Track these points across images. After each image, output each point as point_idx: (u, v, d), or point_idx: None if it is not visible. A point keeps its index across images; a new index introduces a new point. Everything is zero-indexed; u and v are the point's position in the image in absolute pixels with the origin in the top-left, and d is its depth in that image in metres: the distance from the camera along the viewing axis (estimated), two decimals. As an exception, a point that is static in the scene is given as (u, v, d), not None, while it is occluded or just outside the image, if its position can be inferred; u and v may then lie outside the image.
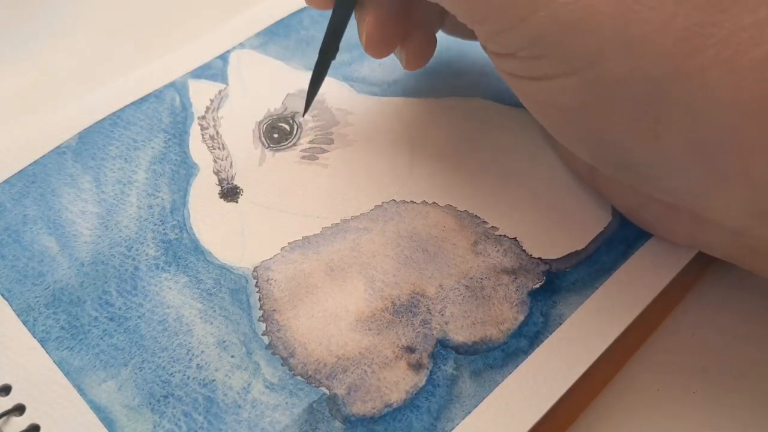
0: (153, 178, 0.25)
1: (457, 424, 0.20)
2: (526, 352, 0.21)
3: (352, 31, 0.25)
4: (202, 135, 0.26)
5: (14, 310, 0.22)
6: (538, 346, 0.21)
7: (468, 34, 0.26)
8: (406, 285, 0.22)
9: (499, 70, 0.21)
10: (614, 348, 0.21)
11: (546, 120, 0.21)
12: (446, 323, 0.22)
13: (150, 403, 0.20)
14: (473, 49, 0.28)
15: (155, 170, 0.25)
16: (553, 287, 0.22)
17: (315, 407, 0.20)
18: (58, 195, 0.24)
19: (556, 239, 0.23)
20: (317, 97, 0.27)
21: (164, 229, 0.24)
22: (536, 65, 0.19)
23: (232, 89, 0.28)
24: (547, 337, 0.21)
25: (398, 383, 0.21)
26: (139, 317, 0.22)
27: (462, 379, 0.21)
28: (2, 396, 0.20)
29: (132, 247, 0.23)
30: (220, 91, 0.27)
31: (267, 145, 0.26)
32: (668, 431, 0.21)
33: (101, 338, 0.21)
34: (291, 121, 0.27)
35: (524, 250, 0.23)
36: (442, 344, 0.21)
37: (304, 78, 0.28)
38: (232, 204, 0.24)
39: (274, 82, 0.28)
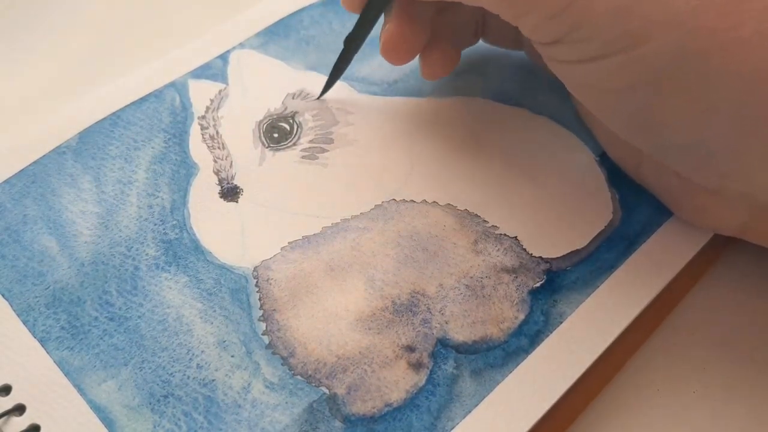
0: (153, 177, 0.25)
1: (458, 424, 0.20)
2: (527, 351, 0.21)
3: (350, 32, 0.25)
4: (202, 135, 0.26)
5: (14, 310, 0.22)
6: (538, 345, 0.21)
7: (510, 43, 0.27)
8: (406, 284, 0.22)
9: (547, 60, 0.21)
10: (614, 347, 0.21)
11: (596, 104, 0.21)
12: (446, 322, 0.22)
13: (150, 403, 0.20)
14: (473, 49, 0.28)
15: (155, 170, 0.25)
16: (554, 286, 0.22)
17: (315, 407, 0.20)
18: (58, 195, 0.24)
19: (557, 238, 0.23)
20: (317, 97, 0.27)
21: (164, 229, 0.24)
22: (583, 48, 0.19)
23: (232, 89, 0.28)
24: (548, 336, 0.21)
25: (398, 383, 0.20)
26: (139, 317, 0.22)
27: (462, 378, 0.21)
28: (2, 396, 0.20)
29: (132, 247, 0.23)
30: (220, 91, 0.27)
31: (267, 145, 0.26)
32: (668, 431, 0.21)
33: (101, 338, 0.21)
34: (291, 121, 0.27)
35: (525, 249, 0.23)
36: (443, 343, 0.21)
37: (305, 78, 0.28)
38: (232, 204, 0.24)
39: (274, 82, 0.28)
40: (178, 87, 0.27)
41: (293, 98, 0.27)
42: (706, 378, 0.22)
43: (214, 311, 0.22)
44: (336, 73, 0.26)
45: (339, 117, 0.27)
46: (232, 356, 0.21)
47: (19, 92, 0.30)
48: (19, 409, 0.20)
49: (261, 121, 0.27)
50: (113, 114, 0.27)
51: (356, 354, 0.21)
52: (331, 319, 0.22)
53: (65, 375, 0.21)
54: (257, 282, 0.22)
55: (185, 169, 0.25)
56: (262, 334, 0.21)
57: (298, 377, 0.21)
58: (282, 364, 0.21)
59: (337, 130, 0.26)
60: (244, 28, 0.29)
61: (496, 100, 0.27)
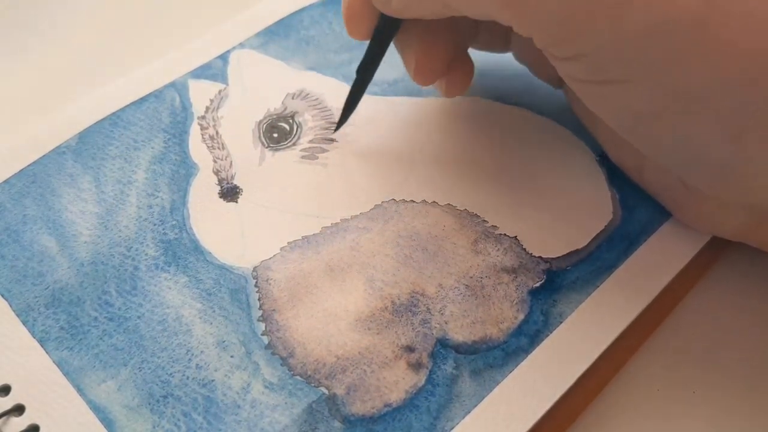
0: (153, 178, 0.25)
1: (457, 424, 0.20)
2: (527, 351, 0.21)
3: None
4: (202, 135, 0.26)
5: (14, 310, 0.22)
6: (538, 345, 0.21)
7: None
8: (405, 284, 0.22)
9: (563, 75, 0.20)
10: (614, 347, 0.21)
11: (619, 126, 0.20)
12: (446, 322, 0.22)
13: (149, 403, 0.20)
14: (473, 49, 0.28)
15: (155, 170, 0.25)
16: (554, 286, 0.22)
17: (314, 407, 0.20)
18: (58, 195, 0.24)
19: (557, 237, 0.23)
20: (317, 97, 0.27)
21: (164, 229, 0.24)
22: (604, 69, 0.18)
23: (232, 89, 0.28)
24: (548, 335, 0.21)
25: (398, 383, 0.20)
26: (138, 317, 0.22)
27: (462, 378, 0.21)
28: (2, 396, 0.20)
29: (132, 247, 0.23)
30: (220, 91, 0.27)
31: (267, 145, 0.26)
32: (668, 431, 0.21)
33: (101, 338, 0.21)
34: (291, 121, 0.27)
35: (524, 249, 0.23)
36: (442, 343, 0.21)
37: (304, 78, 0.28)
38: (231, 204, 0.24)
39: (274, 82, 0.28)
40: (178, 87, 0.27)
41: (293, 98, 0.27)
42: (706, 378, 0.22)
43: (214, 311, 0.22)
44: (351, 104, 0.26)
45: (339, 117, 0.27)
46: (232, 356, 0.21)
47: (19, 92, 0.30)
48: (19, 410, 0.20)
49: (261, 121, 0.27)
50: (113, 114, 0.27)
51: (356, 354, 0.21)
52: (331, 319, 0.22)
53: (65, 375, 0.21)
54: (257, 282, 0.22)
55: (185, 169, 0.25)
56: (262, 335, 0.21)
57: (298, 377, 0.21)
58: (281, 365, 0.21)
59: (336, 130, 0.26)
60: (244, 28, 0.29)
61: (496, 100, 0.27)
